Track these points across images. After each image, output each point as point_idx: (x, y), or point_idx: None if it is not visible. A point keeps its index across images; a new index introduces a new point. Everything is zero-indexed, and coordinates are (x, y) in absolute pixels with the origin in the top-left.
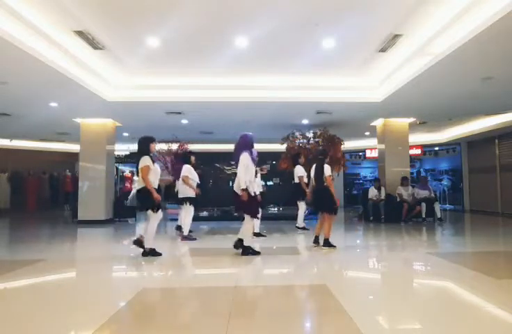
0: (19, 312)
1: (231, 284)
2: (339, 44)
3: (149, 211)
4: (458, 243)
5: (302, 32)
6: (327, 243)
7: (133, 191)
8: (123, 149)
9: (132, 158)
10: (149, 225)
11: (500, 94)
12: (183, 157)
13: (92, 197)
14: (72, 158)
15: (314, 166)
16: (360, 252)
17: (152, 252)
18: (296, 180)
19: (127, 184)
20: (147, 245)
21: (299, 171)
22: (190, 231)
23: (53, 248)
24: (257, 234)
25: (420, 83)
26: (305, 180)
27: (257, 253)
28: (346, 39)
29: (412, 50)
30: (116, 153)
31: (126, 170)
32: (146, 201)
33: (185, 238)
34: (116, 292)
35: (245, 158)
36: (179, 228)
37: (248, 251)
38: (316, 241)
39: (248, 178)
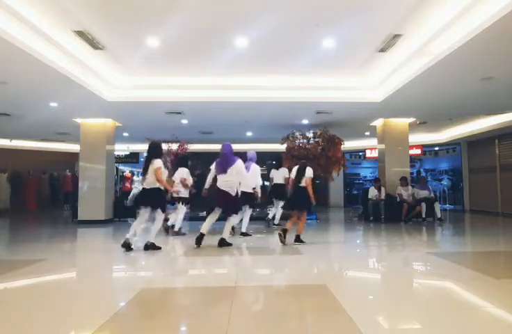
0: (19, 312)
1: (231, 284)
2: (339, 44)
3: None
4: (458, 243)
5: (302, 32)
6: (299, 239)
7: (134, 191)
8: (123, 149)
9: (132, 158)
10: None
11: (500, 94)
12: (182, 160)
13: (92, 197)
14: (72, 158)
15: (296, 168)
16: (359, 252)
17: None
18: (280, 181)
19: (127, 184)
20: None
21: (286, 173)
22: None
23: (53, 248)
24: (243, 234)
25: (420, 83)
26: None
27: (230, 244)
28: (346, 39)
29: (412, 50)
30: (116, 153)
31: (126, 170)
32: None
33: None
34: (116, 292)
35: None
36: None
37: (224, 242)
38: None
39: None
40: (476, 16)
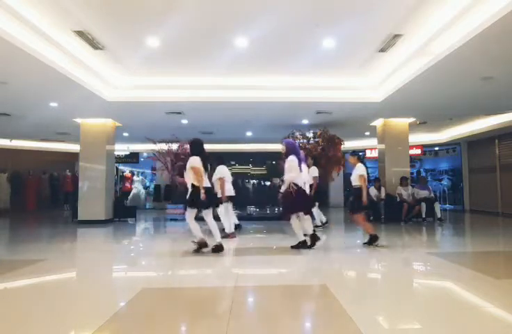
0: (19, 312)
1: (231, 284)
2: (339, 44)
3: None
4: (458, 243)
5: (302, 32)
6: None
7: (134, 191)
8: (123, 149)
9: (132, 158)
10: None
11: (500, 94)
12: (220, 158)
13: (92, 197)
14: (72, 158)
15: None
16: (359, 252)
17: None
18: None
19: (127, 184)
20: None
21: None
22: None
23: (53, 248)
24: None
25: (420, 83)
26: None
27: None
28: (346, 39)
29: (412, 50)
30: (116, 153)
31: (126, 170)
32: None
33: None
34: (116, 292)
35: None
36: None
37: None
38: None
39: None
40: (476, 16)
